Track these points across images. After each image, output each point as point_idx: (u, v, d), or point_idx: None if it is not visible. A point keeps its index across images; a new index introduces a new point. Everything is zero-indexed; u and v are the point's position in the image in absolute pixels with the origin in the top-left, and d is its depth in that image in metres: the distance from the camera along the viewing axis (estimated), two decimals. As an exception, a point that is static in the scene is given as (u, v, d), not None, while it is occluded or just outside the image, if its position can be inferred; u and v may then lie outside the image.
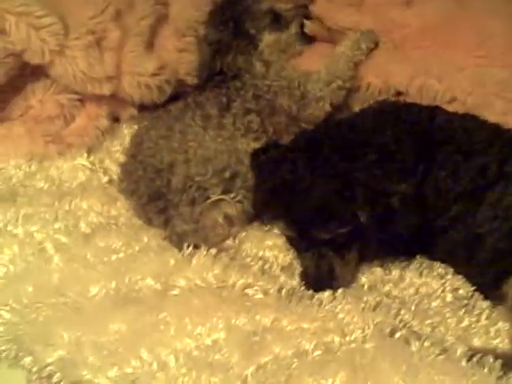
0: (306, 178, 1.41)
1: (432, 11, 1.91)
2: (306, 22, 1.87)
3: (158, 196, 1.55)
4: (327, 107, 1.76)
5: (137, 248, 1.47)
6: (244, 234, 1.57)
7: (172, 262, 1.41)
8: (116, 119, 1.89)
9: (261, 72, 1.78)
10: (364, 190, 1.40)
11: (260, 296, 1.35)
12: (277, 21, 1.88)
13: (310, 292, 1.40)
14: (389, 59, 1.86)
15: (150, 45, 1.81)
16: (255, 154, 1.58)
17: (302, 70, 1.80)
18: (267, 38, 1.85)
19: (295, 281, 1.45)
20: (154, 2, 1.85)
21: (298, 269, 1.49)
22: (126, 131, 1.85)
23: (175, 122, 1.67)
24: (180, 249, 1.46)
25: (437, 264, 1.51)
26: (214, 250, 1.46)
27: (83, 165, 1.74)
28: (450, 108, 1.71)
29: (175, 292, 1.35)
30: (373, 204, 1.41)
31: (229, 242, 1.55)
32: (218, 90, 1.76)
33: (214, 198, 1.52)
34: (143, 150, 1.64)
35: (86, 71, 1.68)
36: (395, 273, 1.50)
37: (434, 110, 1.61)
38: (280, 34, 1.88)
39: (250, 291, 1.36)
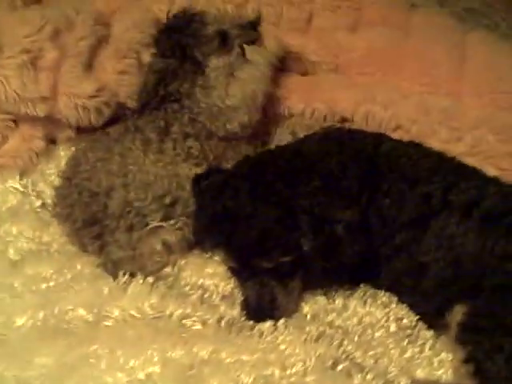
0: (247, 205, 1.37)
1: (377, 37, 1.92)
2: (246, 47, 1.84)
3: (93, 221, 1.48)
4: (245, 119, 1.70)
5: (69, 276, 1.40)
6: (184, 261, 1.50)
7: (106, 290, 1.34)
8: (52, 141, 1.80)
9: (199, 97, 1.73)
10: (308, 217, 1.36)
11: (198, 327, 1.29)
12: (224, 43, 1.84)
13: (251, 323, 1.35)
14: (334, 85, 1.86)
15: (88, 66, 1.75)
16: (196, 180, 1.52)
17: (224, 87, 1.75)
18: (214, 63, 1.81)
19: (236, 311, 1.39)
20: (93, 23, 1.80)
21: (240, 298, 1.43)
22: (63, 153, 1.77)
23: (114, 145, 1.60)
24: (115, 277, 1.39)
25: (381, 293, 1.47)
26: (151, 279, 1.39)
27: (15, 188, 1.66)
28: (395, 135, 1.72)
29: (108, 323, 1.28)
30: (317, 232, 1.37)
31: (167, 269, 1.48)
32: (156, 112, 1.71)
33: (153, 224, 1.46)
34: (79, 172, 1.57)
35: (19, 91, 1.61)
36: (339, 302, 1.45)
37: (379, 138, 1.60)
38: (227, 58, 1.84)
39: (187, 322, 1.30)
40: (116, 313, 1.30)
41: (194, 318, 1.30)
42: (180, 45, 1.77)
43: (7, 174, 1.69)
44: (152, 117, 1.70)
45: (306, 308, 1.44)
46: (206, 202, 1.44)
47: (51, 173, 1.73)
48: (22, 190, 1.66)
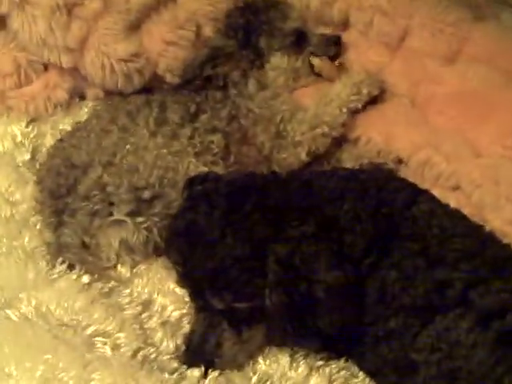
0: (215, 228, 1.14)
1: (474, 76, 1.60)
2: (314, 59, 1.61)
3: (58, 194, 1.32)
4: (303, 156, 1.49)
5: (4, 248, 1.25)
6: (143, 267, 1.31)
7: (31, 275, 1.18)
8: (82, 96, 1.66)
9: (250, 92, 1.53)
10: (279, 267, 1.12)
11: (106, 351, 1.09)
12: (298, 45, 1.62)
13: (175, 364, 1.13)
14: (401, 118, 1.56)
15: (134, 27, 1.58)
16: (190, 182, 1.31)
17: (293, 104, 1.54)
18: (276, 61, 1.60)
19: (172, 344, 1.18)
20: (157, -19, 1.61)
21: (186, 329, 1.22)
22: (85, 111, 1.63)
23: (123, 117, 1.44)
24: (51, 262, 1.22)
25: (358, 376, 1.22)
26: (89, 277, 1.21)
27: (13, 134, 1.53)
28: (451, 197, 1.41)
29: (10, 312, 1.11)
30: (287, 287, 1.12)
31: (117, 272, 1.30)
32: (193, 95, 1.52)
33: (115, 217, 1.27)
34: (73, 137, 1.43)
35: (44, 35, 1.48)
36: (302, 371, 1.20)
37: (417, 195, 1.30)
38: (294, 61, 1.61)
39: (98, 341, 1.10)
40: (25, 305, 1.13)
41: (109, 340, 1.10)
42: (248, 28, 1.58)
43: (14, 117, 1.57)
44: (185, 98, 1.52)
45: (260, 366, 1.20)
46: (182, 211, 1.23)
47: (63, 128, 1.59)
48: (19, 138, 1.53)
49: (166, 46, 1.59)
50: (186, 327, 1.22)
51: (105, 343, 1.10)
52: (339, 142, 1.57)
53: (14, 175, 1.42)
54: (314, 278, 1.12)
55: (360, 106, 1.54)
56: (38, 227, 1.33)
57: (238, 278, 1.12)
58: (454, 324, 1.09)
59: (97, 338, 1.11)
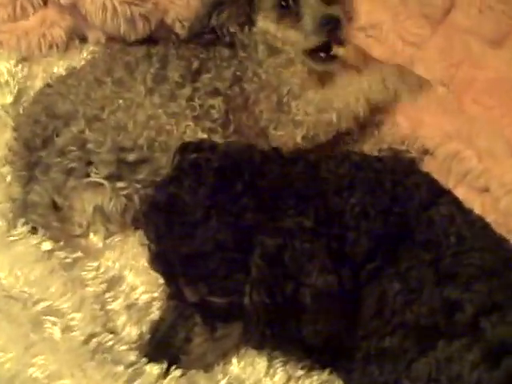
0: (198, 206, 0.99)
1: (523, 63, 1.39)
2: (338, 49, 1.39)
3: (34, 145, 1.18)
4: (299, 138, 1.31)
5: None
6: (118, 239, 1.17)
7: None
8: (84, 39, 1.50)
9: (260, 57, 1.35)
10: (264, 262, 0.96)
11: (55, 333, 0.95)
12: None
13: (133, 357, 0.99)
14: (431, 103, 1.37)
15: (147, -34, 1.40)
16: (183, 149, 1.14)
17: (306, 79, 1.35)
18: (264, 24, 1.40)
19: (135, 331, 1.05)
20: None
21: (154, 316, 1.08)
22: (84, 55, 1.46)
23: (120, 69, 1.28)
24: (12, 223, 1.09)
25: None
26: (51, 244, 1.07)
27: (-1, 72, 1.38)
28: (477, 200, 1.26)
29: None
30: (270, 287, 0.97)
31: (88, 240, 1.16)
32: (200, 50, 1.35)
33: (92, 178, 1.12)
34: (63, 84, 1.27)
35: (40, -34, 1.31)
36: (280, 379, 1.06)
37: (438, 195, 1.13)
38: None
39: (48, 320, 0.96)
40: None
41: (61, 320, 0.96)
42: None
43: (3, 54, 1.41)
44: (189, 52, 1.35)
45: (233, 368, 1.07)
46: (165, 181, 1.08)
47: (57, 72, 1.42)
48: (5, 77, 1.37)
49: (177, -9, 1.41)
50: (156, 314, 1.08)
51: (54, 323, 0.96)
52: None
53: (-9, 118, 1.27)
54: (302, 281, 0.98)
55: (385, 101, 1.35)
56: (7, 180, 1.19)
57: (217, 269, 0.97)
58: (458, 355, 0.94)
59: (47, 317, 0.97)
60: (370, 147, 1.38)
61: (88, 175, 1.13)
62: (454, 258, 1.03)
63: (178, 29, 1.43)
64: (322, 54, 1.37)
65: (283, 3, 1.37)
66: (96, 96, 1.22)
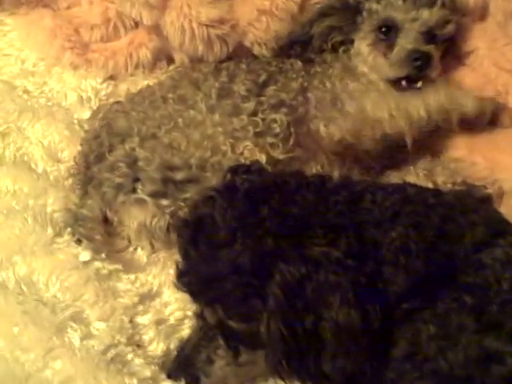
0: (224, 228, 0.97)
1: None
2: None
3: (90, 161, 1.23)
4: (344, 132, 1.28)
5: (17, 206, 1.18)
6: (162, 255, 1.18)
7: (31, 240, 1.10)
8: (172, 60, 1.55)
9: (331, 72, 1.35)
10: (282, 292, 0.92)
11: (74, 341, 0.97)
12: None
13: (150, 372, 0.99)
14: (510, 145, 1.25)
15: (230, -10, 1.42)
16: (234, 171, 1.14)
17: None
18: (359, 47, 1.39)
19: (163, 346, 1.05)
20: None
21: (185, 334, 1.08)
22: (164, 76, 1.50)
23: (186, 86, 1.32)
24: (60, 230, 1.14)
25: None
26: (90, 254, 1.11)
27: (83, 89, 1.46)
28: None
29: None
30: (288, 318, 0.93)
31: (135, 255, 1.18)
32: (269, 64, 1.37)
33: (138, 195, 1.15)
34: (131, 101, 1.32)
35: (126, -12, 1.37)
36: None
37: (498, 235, 1.01)
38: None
39: (71, 330, 0.99)
40: (17, 269, 1.05)
41: (82, 328, 0.99)
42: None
43: (91, 72, 1.50)
44: (259, 66, 1.37)
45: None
46: (202, 200, 1.07)
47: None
48: (89, 94, 1.46)
49: (259, 14, 1.41)
50: (186, 332, 1.08)
51: (75, 330, 0.99)
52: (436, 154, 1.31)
53: (67, 132, 1.36)
54: (323, 314, 0.92)
55: (441, 115, 1.28)
56: (66, 191, 1.26)
57: (232, 292, 0.94)
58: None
59: (71, 323, 1.00)
60: (445, 179, 1.29)
61: (135, 191, 1.16)
62: (501, 307, 0.93)
63: (256, 51, 1.44)
64: (404, 83, 1.33)
65: (384, 29, 1.35)
66: (156, 114, 1.25)
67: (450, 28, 1.39)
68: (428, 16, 1.33)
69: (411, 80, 1.33)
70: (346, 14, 1.39)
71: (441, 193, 1.14)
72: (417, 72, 1.32)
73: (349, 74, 1.34)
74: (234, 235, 0.96)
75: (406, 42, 1.32)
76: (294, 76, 1.33)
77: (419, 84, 1.33)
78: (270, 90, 1.31)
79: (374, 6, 1.35)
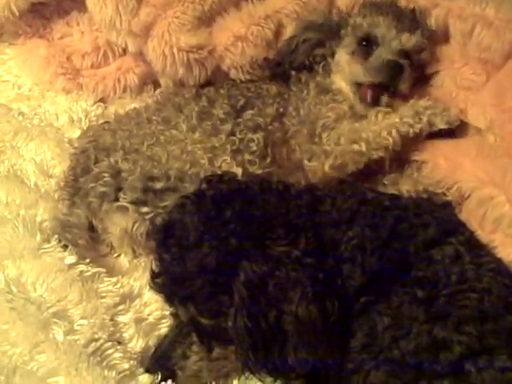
0: (194, 233, 1.06)
1: None
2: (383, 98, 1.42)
3: (77, 173, 1.33)
4: (326, 167, 1.34)
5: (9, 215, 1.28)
6: (144, 260, 1.27)
7: (21, 245, 1.19)
8: (158, 84, 1.66)
9: (305, 95, 1.43)
10: (246, 289, 1.00)
11: (59, 335, 1.06)
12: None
13: (128, 365, 1.07)
14: (472, 148, 1.35)
15: (206, 19, 1.54)
16: (208, 181, 1.23)
17: (342, 112, 1.40)
18: (340, 57, 1.48)
19: (142, 343, 1.14)
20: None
21: (163, 332, 1.16)
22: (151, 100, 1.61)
23: (169, 109, 1.42)
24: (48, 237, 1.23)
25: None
26: (74, 258, 1.20)
27: (74, 111, 1.58)
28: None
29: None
30: (253, 313, 1.00)
31: (118, 261, 1.28)
32: (247, 89, 1.46)
33: (120, 203, 1.25)
34: (118, 122, 1.43)
35: (111, 17, 1.49)
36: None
37: (449, 235, 1.10)
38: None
39: (56, 323, 1.08)
40: (7, 272, 1.14)
41: (66, 324, 1.08)
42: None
43: (82, 95, 1.62)
44: (238, 91, 1.46)
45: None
46: (174, 207, 1.15)
47: (127, 112, 1.59)
48: (79, 115, 1.58)
49: (235, 40, 1.51)
50: (164, 330, 1.16)
51: (60, 326, 1.07)
52: (402, 163, 1.40)
53: (58, 150, 1.46)
54: (284, 308, 1.00)
55: (412, 132, 1.35)
56: (55, 202, 1.35)
57: (201, 289, 1.03)
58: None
59: (55, 320, 1.09)
60: (408, 188, 1.37)
61: (118, 200, 1.26)
62: (448, 298, 1.01)
63: (233, 75, 1.54)
64: (369, 96, 1.42)
65: (364, 43, 1.45)
66: (140, 132, 1.35)
67: (424, 55, 1.49)
68: (406, 39, 1.43)
69: (380, 90, 1.42)
70: (331, 28, 1.48)
71: (397, 197, 1.24)
72: (389, 80, 1.40)
73: (323, 96, 1.42)
74: (202, 238, 1.05)
75: (383, 53, 1.42)
76: (270, 101, 1.42)
77: (383, 100, 1.41)
78: (248, 114, 1.40)
79: (359, 20, 1.45)
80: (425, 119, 1.34)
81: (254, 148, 1.36)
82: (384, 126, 1.34)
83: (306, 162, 1.35)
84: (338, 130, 1.35)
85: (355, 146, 1.33)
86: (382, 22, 1.44)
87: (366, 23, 1.45)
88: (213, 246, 1.03)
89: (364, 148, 1.33)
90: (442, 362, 0.95)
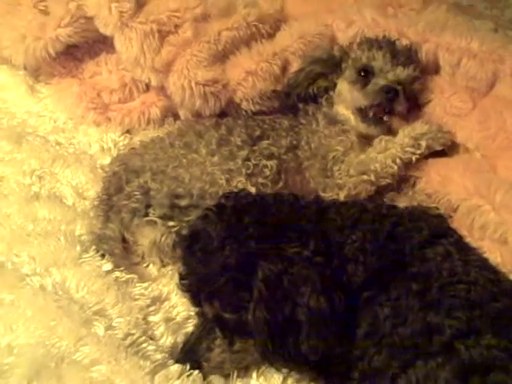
0: (217, 239, 1.21)
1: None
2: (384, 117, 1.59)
3: (110, 192, 1.50)
4: (342, 198, 1.50)
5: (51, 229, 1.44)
6: (170, 268, 1.43)
7: (64, 255, 1.35)
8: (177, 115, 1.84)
9: (315, 127, 1.60)
10: (264, 284, 1.15)
11: (100, 330, 1.22)
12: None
13: (159, 356, 1.22)
14: (459, 164, 1.51)
15: (221, 56, 1.73)
16: (226, 196, 1.40)
17: (350, 145, 1.56)
18: (341, 86, 1.65)
19: (171, 339, 1.29)
20: (254, 19, 1.75)
21: (189, 329, 1.31)
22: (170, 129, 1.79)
23: (191, 135, 1.58)
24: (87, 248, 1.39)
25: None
26: (110, 266, 1.37)
27: (104, 141, 1.76)
28: (497, 252, 1.34)
29: (37, 284, 1.29)
30: (270, 306, 1.15)
31: (148, 269, 1.44)
32: (262, 121, 1.62)
33: (149, 217, 1.41)
34: (144, 147, 1.59)
35: (136, 56, 1.68)
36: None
37: (440, 237, 1.25)
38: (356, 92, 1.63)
39: (97, 320, 1.23)
40: (53, 277, 1.30)
41: (106, 321, 1.23)
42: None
43: (111, 127, 1.80)
44: (254, 123, 1.62)
45: (251, 381, 1.26)
46: (197, 219, 1.31)
47: (150, 141, 1.77)
48: (109, 144, 1.76)
49: (246, 75, 1.70)
50: (191, 328, 1.30)
51: (100, 322, 1.23)
52: (400, 180, 1.56)
53: (91, 175, 1.64)
54: (298, 301, 1.14)
55: (414, 158, 1.52)
56: (90, 219, 1.51)
57: (224, 287, 1.17)
58: (433, 372, 1.05)
59: (96, 317, 1.24)
60: (405, 204, 1.52)
61: (147, 215, 1.42)
62: (440, 289, 1.15)
63: (244, 106, 1.72)
64: (371, 113, 1.58)
65: (362, 73, 1.62)
66: (164, 156, 1.52)
67: (417, 86, 1.66)
68: (401, 72, 1.61)
69: (381, 110, 1.58)
70: (333, 62, 1.66)
71: (394, 206, 1.39)
72: (387, 102, 1.57)
73: (332, 127, 1.58)
74: (224, 242, 1.20)
75: (380, 81, 1.59)
76: (284, 134, 1.58)
77: (385, 117, 1.58)
78: (263, 143, 1.56)
79: (359, 53, 1.63)
80: (424, 144, 1.51)
81: (268, 173, 1.52)
82: (389, 155, 1.50)
83: (320, 192, 1.51)
84: (347, 162, 1.51)
85: (365, 177, 1.49)
86: (379, 56, 1.61)
87: (365, 57, 1.62)
88: (234, 248, 1.18)
89: (373, 178, 1.49)
90: (435, 343, 1.08)
